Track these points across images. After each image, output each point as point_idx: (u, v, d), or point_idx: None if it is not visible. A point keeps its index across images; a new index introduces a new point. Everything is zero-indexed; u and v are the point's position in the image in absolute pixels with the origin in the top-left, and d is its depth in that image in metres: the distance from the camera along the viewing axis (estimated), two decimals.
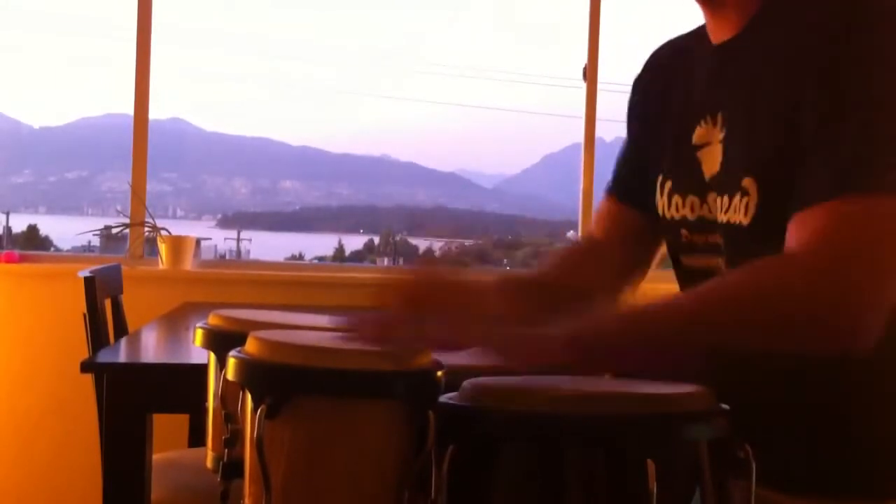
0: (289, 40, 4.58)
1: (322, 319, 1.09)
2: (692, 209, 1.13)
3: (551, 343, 0.88)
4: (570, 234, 4.17)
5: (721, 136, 1.08)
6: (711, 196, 1.09)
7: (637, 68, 1.32)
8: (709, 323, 0.90)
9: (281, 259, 4.23)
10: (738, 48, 1.09)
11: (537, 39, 4.48)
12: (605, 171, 1.38)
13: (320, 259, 4.57)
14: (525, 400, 0.76)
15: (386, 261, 4.68)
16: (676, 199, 1.15)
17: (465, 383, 0.82)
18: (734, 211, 1.04)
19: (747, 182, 1.02)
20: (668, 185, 1.17)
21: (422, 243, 4.76)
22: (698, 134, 1.11)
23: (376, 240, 4.80)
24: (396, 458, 0.80)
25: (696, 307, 0.92)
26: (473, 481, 0.77)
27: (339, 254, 4.68)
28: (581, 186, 3.69)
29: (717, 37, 1.13)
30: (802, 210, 0.92)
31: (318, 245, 4.81)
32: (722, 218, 1.07)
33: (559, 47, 4.28)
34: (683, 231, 1.15)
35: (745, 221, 1.02)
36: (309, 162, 5.16)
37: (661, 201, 1.18)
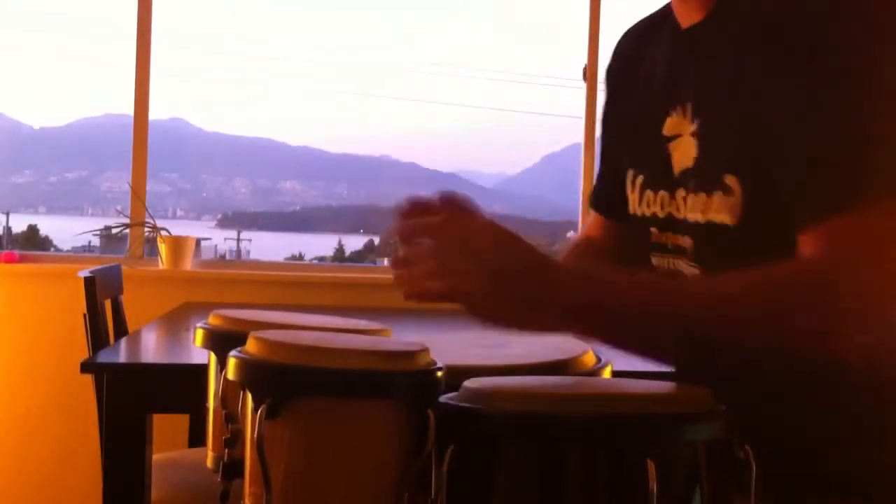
0: (289, 40, 4.58)
1: (323, 319, 1.09)
2: (662, 206, 1.08)
3: (554, 291, 0.86)
4: (570, 234, 4.17)
5: (692, 128, 1.03)
6: (680, 192, 1.05)
7: None
8: (716, 317, 0.88)
9: (281, 259, 4.23)
10: (704, 33, 1.04)
11: (537, 39, 4.48)
12: None
13: (320, 259, 4.57)
14: (525, 400, 0.76)
15: (386, 261, 4.68)
16: (649, 194, 1.11)
17: (465, 383, 0.82)
18: (716, 210, 0.99)
19: (731, 180, 0.98)
20: (640, 179, 1.12)
21: None
22: (669, 124, 1.06)
23: (376, 240, 4.80)
24: (396, 458, 0.80)
25: (707, 299, 0.89)
26: (473, 481, 0.77)
27: (339, 254, 4.68)
28: (581, 187, 3.69)
29: (684, 20, 1.07)
30: (805, 230, 0.90)
31: (318, 245, 4.81)
32: (695, 217, 1.02)
33: (559, 47, 4.28)
34: (653, 229, 1.11)
35: (732, 222, 0.98)
36: (309, 162, 5.16)
37: (631, 197, 1.14)
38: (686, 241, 1.05)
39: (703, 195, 1.01)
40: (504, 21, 4.46)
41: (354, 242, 4.80)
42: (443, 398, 0.80)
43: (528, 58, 4.45)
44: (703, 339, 0.88)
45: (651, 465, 0.71)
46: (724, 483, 0.78)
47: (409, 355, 0.83)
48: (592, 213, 1.31)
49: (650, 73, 1.13)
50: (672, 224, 1.07)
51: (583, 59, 3.68)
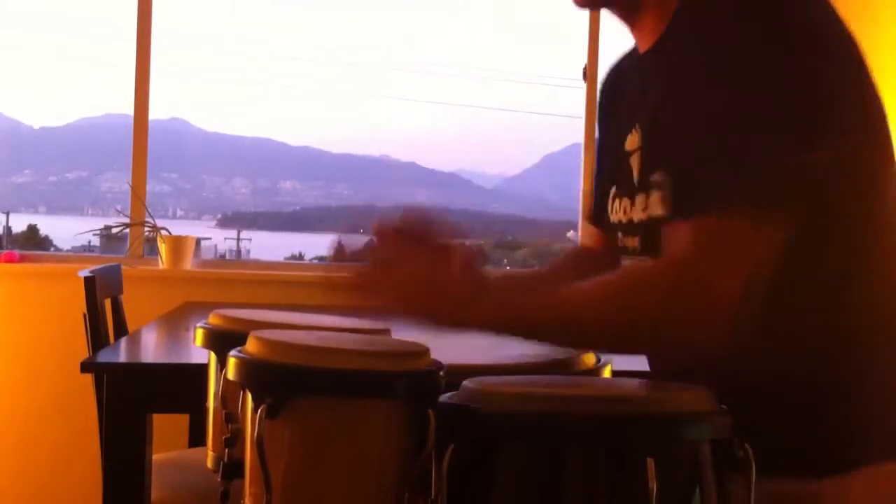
0: (289, 40, 4.58)
1: (323, 319, 1.09)
2: (625, 212, 1.18)
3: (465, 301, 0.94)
4: (570, 234, 4.17)
5: (640, 143, 1.14)
6: (637, 198, 1.14)
7: None
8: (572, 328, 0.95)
9: (281, 259, 4.23)
10: (653, 58, 1.15)
11: (537, 39, 4.48)
12: None
13: (320, 259, 4.57)
14: (525, 400, 0.76)
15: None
16: (617, 202, 1.20)
17: (465, 383, 0.82)
18: (654, 206, 1.08)
19: (658, 176, 1.07)
20: (614, 190, 1.22)
21: None
22: (629, 141, 1.17)
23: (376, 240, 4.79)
24: (396, 458, 0.80)
25: (572, 311, 0.96)
26: (473, 481, 0.77)
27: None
28: (581, 186, 3.69)
29: (641, 47, 1.19)
30: (677, 220, 0.98)
31: (318, 245, 4.81)
32: (641, 216, 1.12)
33: (559, 47, 4.28)
34: (619, 234, 1.20)
35: (664, 213, 1.06)
36: (309, 162, 5.15)
37: (609, 206, 1.24)
38: (635, 241, 1.15)
39: (643, 196, 1.11)
40: (504, 21, 4.46)
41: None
42: (443, 398, 0.80)
43: (528, 58, 4.45)
44: (579, 336, 0.97)
45: (651, 465, 0.71)
46: (721, 472, 0.78)
47: (409, 355, 0.83)
48: (590, 226, 1.42)
49: (624, 99, 1.25)
50: (630, 227, 1.16)
51: (583, 59, 3.68)
